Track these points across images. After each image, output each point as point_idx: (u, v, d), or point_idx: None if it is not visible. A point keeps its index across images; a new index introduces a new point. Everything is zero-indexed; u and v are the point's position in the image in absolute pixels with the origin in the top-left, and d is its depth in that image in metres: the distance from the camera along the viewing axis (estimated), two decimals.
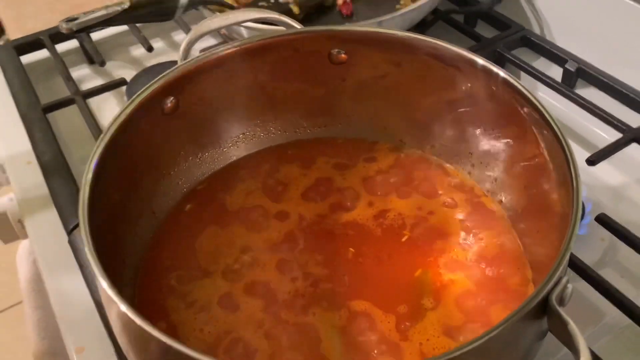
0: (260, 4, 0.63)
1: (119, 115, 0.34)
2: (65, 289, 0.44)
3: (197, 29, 0.39)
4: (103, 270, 0.26)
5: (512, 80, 0.35)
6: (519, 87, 0.35)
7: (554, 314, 0.24)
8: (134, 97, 0.34)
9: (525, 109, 0.35)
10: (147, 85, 0.35)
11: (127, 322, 0.25)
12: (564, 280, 0.25)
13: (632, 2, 0.53)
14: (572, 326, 0.23)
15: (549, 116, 0.33)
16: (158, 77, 0.35)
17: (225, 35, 0.61)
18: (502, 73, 0.36)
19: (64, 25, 0.49)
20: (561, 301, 0.25)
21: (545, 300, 0.24)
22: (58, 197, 0.48)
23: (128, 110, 0.34)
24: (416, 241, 0.38)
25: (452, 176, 0.42)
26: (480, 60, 0.37)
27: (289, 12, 0.60)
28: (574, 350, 0.23)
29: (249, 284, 0.35)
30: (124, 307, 0.25)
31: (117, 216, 0.36)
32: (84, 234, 0.27)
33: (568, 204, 0.28)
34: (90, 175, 0.31)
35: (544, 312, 0.25)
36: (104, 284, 0.26)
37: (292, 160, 0.43)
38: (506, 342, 0.24)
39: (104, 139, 0.33)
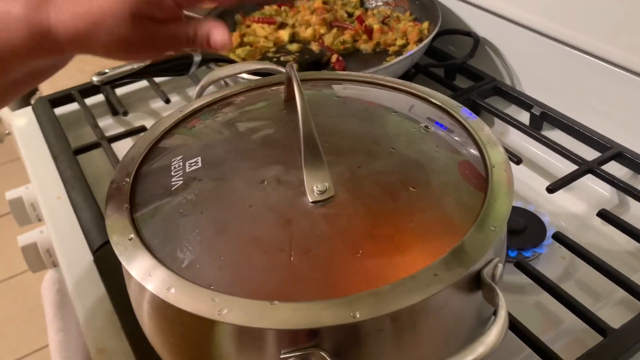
0: (265, 62, 0.72)
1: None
2: (89, 300, 0.50)
3: (209, 76, 0.48)
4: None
5: None
6: None
7: (486, 286, 0.30)
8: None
9: None
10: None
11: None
12: (495, 260, 0.31)
13: (586, 55, 0.61)
14: (497, 291, 0.29)
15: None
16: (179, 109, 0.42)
17: None
18: None
19: (96, 78, 0.57)
20: (493, 277, 0.31)
21: (478, 276, 0.30)
22: (85, 224, 0.55)
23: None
24: None
25: None
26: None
27: None
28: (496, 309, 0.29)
29: None
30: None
31: None
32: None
33: None
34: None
35: (478, 286, 0.30)
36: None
37: None
38: (446, 307, 0.30)
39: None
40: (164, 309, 0.30)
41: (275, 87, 0.45)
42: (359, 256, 0.29)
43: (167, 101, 0.71)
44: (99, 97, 0.74)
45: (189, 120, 0.40)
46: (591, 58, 0.60)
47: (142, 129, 0.67)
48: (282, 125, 0.37)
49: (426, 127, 0.37)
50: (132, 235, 0.31)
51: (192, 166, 0.34)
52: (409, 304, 0.27)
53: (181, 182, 0.33)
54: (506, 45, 0.71)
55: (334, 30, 0.74)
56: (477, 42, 0.71)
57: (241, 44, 0.74)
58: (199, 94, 0.45)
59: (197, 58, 0.63)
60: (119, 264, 0.48)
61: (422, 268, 0.28)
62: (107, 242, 0.51)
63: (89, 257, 0.52)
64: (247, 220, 0.31)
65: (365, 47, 0.73)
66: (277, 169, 0.33)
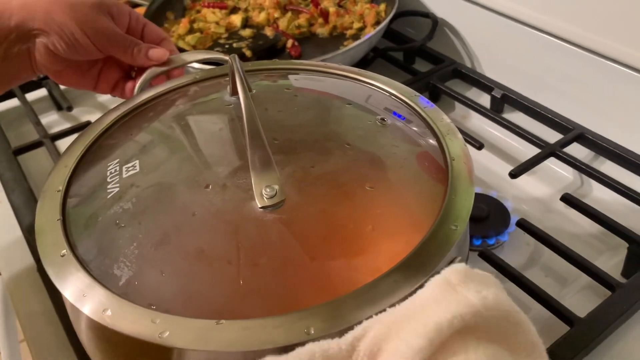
0: (216, 49, 0.68)
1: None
2: (35, 314, 0.46)
3: (152, 70, 0.44)
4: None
5: None
6: None
7: None
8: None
9: None
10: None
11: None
12: (457, 259, 0.29)
13: (546, 36, 0.60)
14: None
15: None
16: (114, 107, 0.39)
17: None
18: None
19: None
20: None
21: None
22: (27, 231, 0.51)
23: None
24: None
25: None
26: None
27: (242, 56, 0.66)
28: None
29: None
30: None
31: None
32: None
33: None
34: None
35: None
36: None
37: None
38: None
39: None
40: (102, 330, 0.27)
41: (225, 79, 0.42)
42: (313, 266, 0.26)
43: None
44: (42, 92, 0.70)
45: (127, 119, 0.37)
46: (551, 38, 0.59)
47: (88, 124, 0.63)
48: (227, 122, 0.34)
49: (382, 119, 0.35)
50: (65, 250, 0.28)
51: (129, 171, 0.31)
52: (367, 316, 0.25)
53: (117, 189, 0.30)
54: (465, 26, 0.69)
55: (289, 14, 0.71)
56: (435, 23, 0.69)
57: (191, 31, 0.71)
58: (141, 88, 0.42)
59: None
60: None
61: (380, 275, 0.26)
62: None
63: (33, 266, 0.49)
64: (190, 230, 0.28)
65: (321, 31, 0.71)
66: (222, 171, 0.30)
